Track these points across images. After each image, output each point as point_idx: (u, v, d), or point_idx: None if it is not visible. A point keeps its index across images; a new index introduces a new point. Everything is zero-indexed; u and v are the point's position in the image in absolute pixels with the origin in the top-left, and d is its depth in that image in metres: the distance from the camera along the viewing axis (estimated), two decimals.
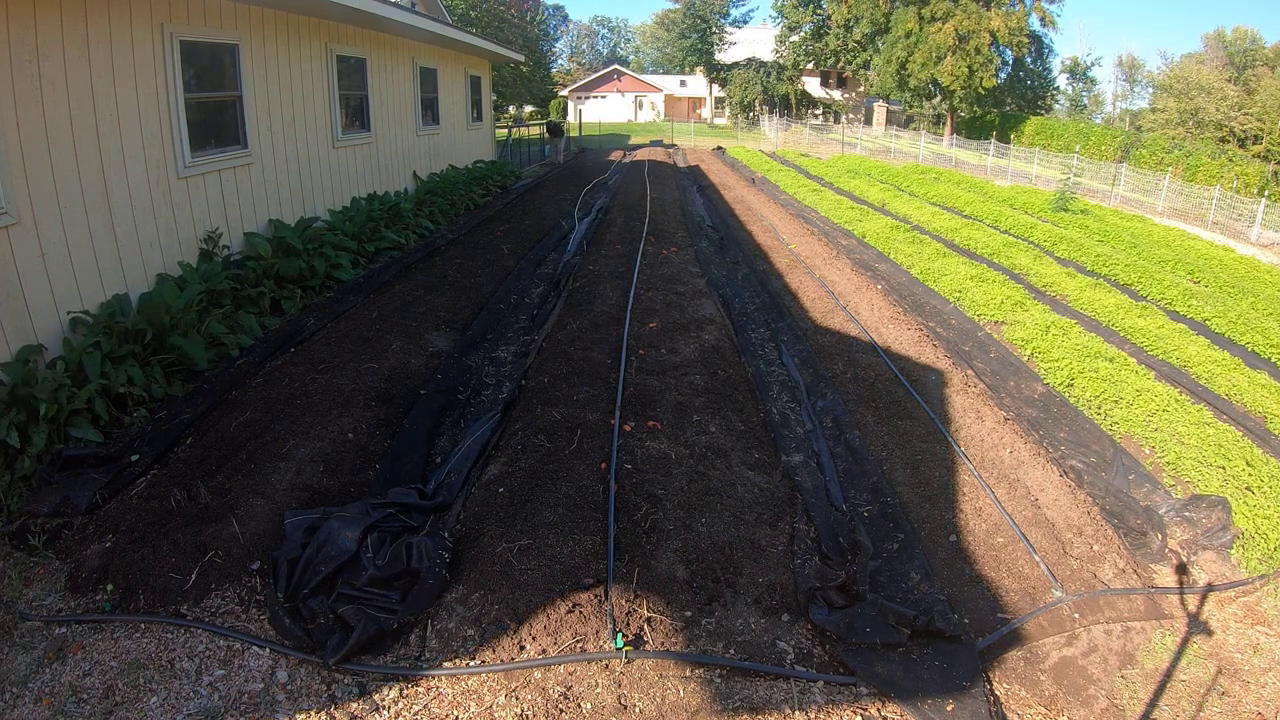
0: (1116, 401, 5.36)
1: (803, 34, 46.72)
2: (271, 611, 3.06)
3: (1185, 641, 3.30)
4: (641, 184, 16.75)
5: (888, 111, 47.40)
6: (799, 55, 47.21)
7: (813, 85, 50.65)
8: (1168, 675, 3.11)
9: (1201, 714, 2.94)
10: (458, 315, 6.67)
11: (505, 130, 22.47)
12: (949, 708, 2.71)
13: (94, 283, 5.09)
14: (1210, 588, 3.67)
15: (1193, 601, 3.56)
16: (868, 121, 48.19)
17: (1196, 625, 3.40)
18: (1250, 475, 4.42)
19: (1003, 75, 36.14)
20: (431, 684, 2.75)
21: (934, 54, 33.98)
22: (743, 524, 3.67)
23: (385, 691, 2.71)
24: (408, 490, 3.74)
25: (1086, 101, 57.29)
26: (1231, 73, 40.15)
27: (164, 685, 2.69)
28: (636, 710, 2.65)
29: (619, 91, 55.91)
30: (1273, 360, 7.15)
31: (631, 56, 78.26)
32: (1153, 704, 2.96)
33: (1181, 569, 3.80)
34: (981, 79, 33.63)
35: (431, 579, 3.15)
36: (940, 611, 3.18)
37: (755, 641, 3.00)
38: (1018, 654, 3.13)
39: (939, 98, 37.25)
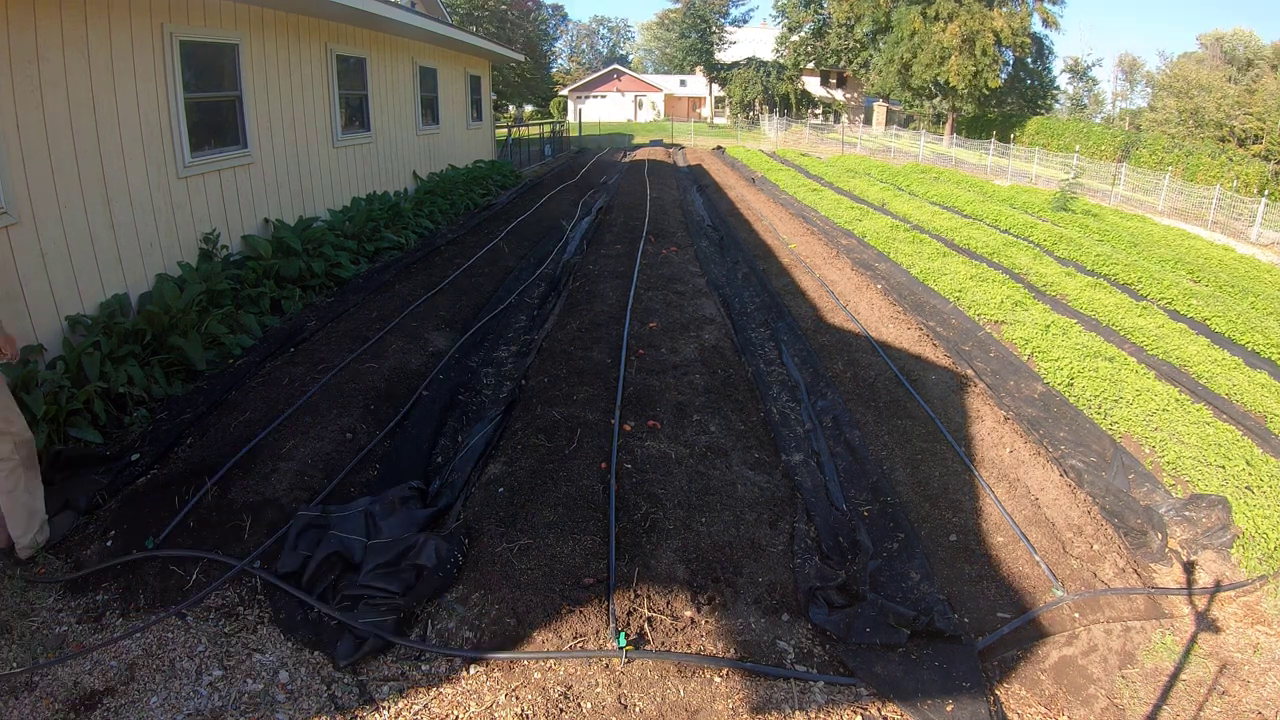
0: (1116, 401, 5.36)
1: (803, 33, 46.74)
2: (272, 611, 3.06)
3: (1185, 641, 3.30)
4: (642, 184, 16.75)
5: (888, 111, 47.40)
6: (799, 55, 47.22)
7: (813, 85, 50.65)
8: (1168, 675, 3.11)
9: (1202, 713, 2.93)
10: (458, 315, 6.67)
11: (505, 130, 22.47)
12: (949, 708, 2.71)
13: (94, 283, 5.09)
14: (1210, 587, 3.67)
15: (1193, 601, 3.56)
16: (868, 121, 48.18)
17: (1197, 625, 3.40)
18: (1250, 475, 4.41)
19: (1004, 75, 36.16)
20: (432, 683, 2.75)
21: (939, 54, 33.99)
22: (743, 523, 3.68)
23: (385, 691, 2.72)
24: (410, 490, 3.74)
25: (1087, 101, 57.30)
26: (1230, 71, 40.12)
27: (164, 685, 2.69)
28: (637, 710, 2.65)
29: (619, 91, 55.90)
30: (1273, 360, 7.15)
31: (632, 56, 78.29)
32: (1153, 703, 2.96)
33: (1182, 568, 3.80)
34: (987, 79, 33.67)
35: (441, 574, 3.15)
36: (940, 611, 3.19)
37: (755, 641, 3.00)
38: (1018, 653, 3.13)
39: (940, 97, 37.25)
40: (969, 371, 5.95)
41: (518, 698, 2.68)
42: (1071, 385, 5.74)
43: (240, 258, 6.78)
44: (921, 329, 6.89)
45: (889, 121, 46.43)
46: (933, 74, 34.64)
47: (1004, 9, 34.29)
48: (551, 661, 2.82)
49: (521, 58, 25.58)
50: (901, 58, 35.83)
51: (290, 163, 7.99)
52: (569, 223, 11.39)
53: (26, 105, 4.52)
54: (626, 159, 24.12)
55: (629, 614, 3.03)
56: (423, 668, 2.82)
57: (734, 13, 52.69)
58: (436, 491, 3.92)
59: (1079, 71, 55.19)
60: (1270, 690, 3.07)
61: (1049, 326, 6.84)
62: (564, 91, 56.36)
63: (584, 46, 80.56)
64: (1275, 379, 6.41)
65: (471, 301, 7.11)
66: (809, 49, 46.82)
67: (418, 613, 3.05)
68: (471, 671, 2.79)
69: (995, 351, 6.65)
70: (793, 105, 47.61)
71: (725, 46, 51.83)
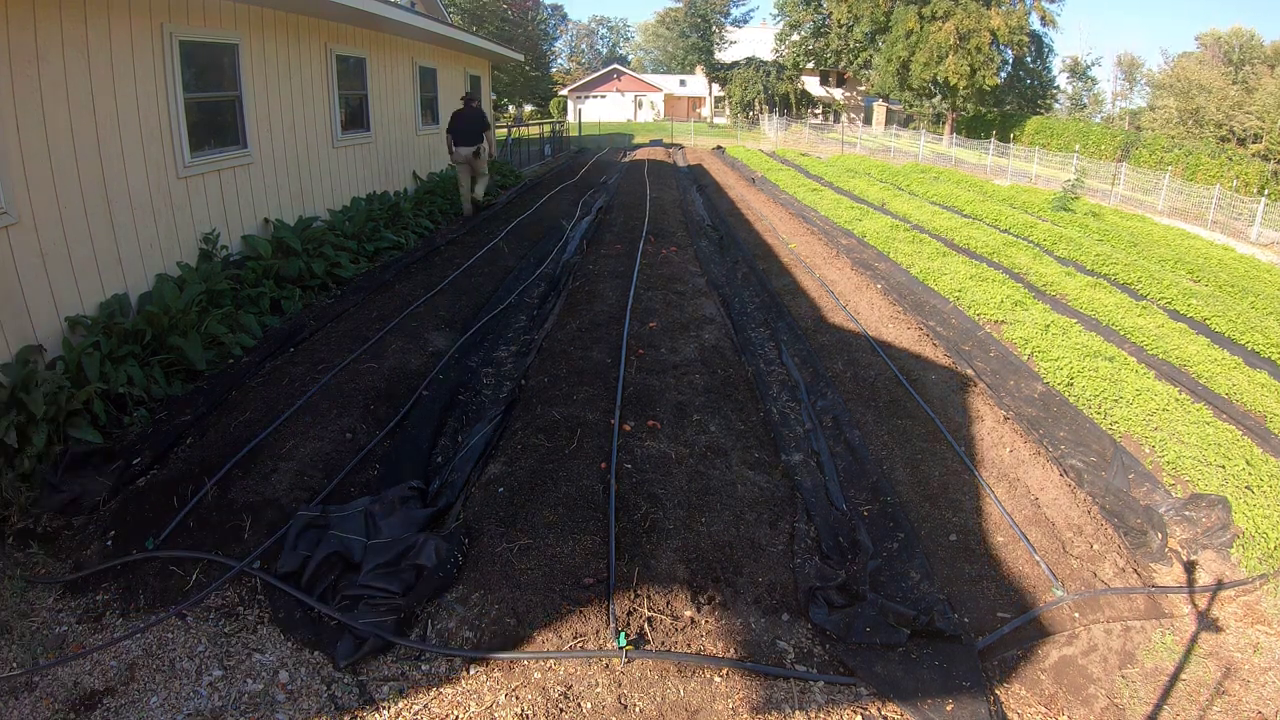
0: (1116, 401, 5.36)
1: (803, 33, 46.74)
2: (272, 611, 3.06)
3: (1186, 641, 3.30)
4: (641, 183, 16.75)
5: (887, 111, 47.39)
6: (799, 54, 47.22)
7: (813, 85, 50.66)
8: (1168, 674, 3.11)
9: (1201, 713, 2.94)
10: (458, 315, 6.67)
11: (505, 130, 22.46)
12: (949, 707, 2.71)
13: (94, 283, 5.09)
14: (1210, 587, 3.67)
15: (1193, 601, 3.56)
16: (867, 121, 48.17)
17: (1197, 624, 3.40)
18: (1250, 474, 4.42)
19: (1003, 74, 36.18)
20: (432, 683, 2.75)
21: (935, 53, 34.03)
22: (743, 523, 3.68)
23: (385, 691, 2.72)
24: (410, 490, 3.74)
25: (1086, 101, 57.29)
26: (1230, 71, 40.12)
27: (164, 685, 2.69)
28: (637, 710, 2.66)
29: (619, 91, 55.89)
30: (1273, 359, 7.15)
31: (631, 56, 78.28)
32: (1153, 703, 2.96)
33: (1182, 568, 3.80)
34: (983, 77, 33.68)
35: (441, 574, 3.16)
36: (940, 611, 3.19)
37: (755, 641, 3.00)
38: (1018, 653, 3.13)
39: (940, 97, 37.28)
40: (969, 371, 5.95)
41: (518, 698, 2.68)
42: (1071, 385, 5.74)
43: (240, 258, 6.78)
44: (921, 329, 6.89)
45: (889, 121, 46.41)
46: (930, 73, 34.68)
47: (1001, 7, 34.31)
48: (551, 661, 2.82)
49: (521, 58, 25.60)
50: (899, 57, 35.86)
51: (290, 163, 7.98)
52: (569, 222, 11.39)
53: (26, 106, 4.52)
54: (626, 159, 24.12)
55: (629, 614, 3.03)
56: (423, 668, 2.82)
57: (734, 12, 52.81)
58: (436, 491, 3.92)
59: (1078, 71, 55.22)
60: (1270, 690, 3.07)
61: (1049, 326, 6.84)
62: (564, 91, 56.34)
63: (583, 46, 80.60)
64: (1275, 378, 6.42)
65: (471, 301, 7.11)
66: (809, 49, 46.82)
67: (418, 613, 3.05)
68: (471, 671, 2.79)
69: (995, 351, 6.65)
70: (792, 105, 47.59)
71: (725, 46, 51.83)
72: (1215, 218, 17.73)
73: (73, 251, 4.89)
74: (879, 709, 2.74)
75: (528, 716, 2.61)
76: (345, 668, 2.80)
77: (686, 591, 3.18)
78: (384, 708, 2.64)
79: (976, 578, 3.54)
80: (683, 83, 57.72)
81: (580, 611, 3.03)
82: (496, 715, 2.61)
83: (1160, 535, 3.97)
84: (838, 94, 51.56)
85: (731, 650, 2.93)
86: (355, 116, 9.90)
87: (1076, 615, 3.32)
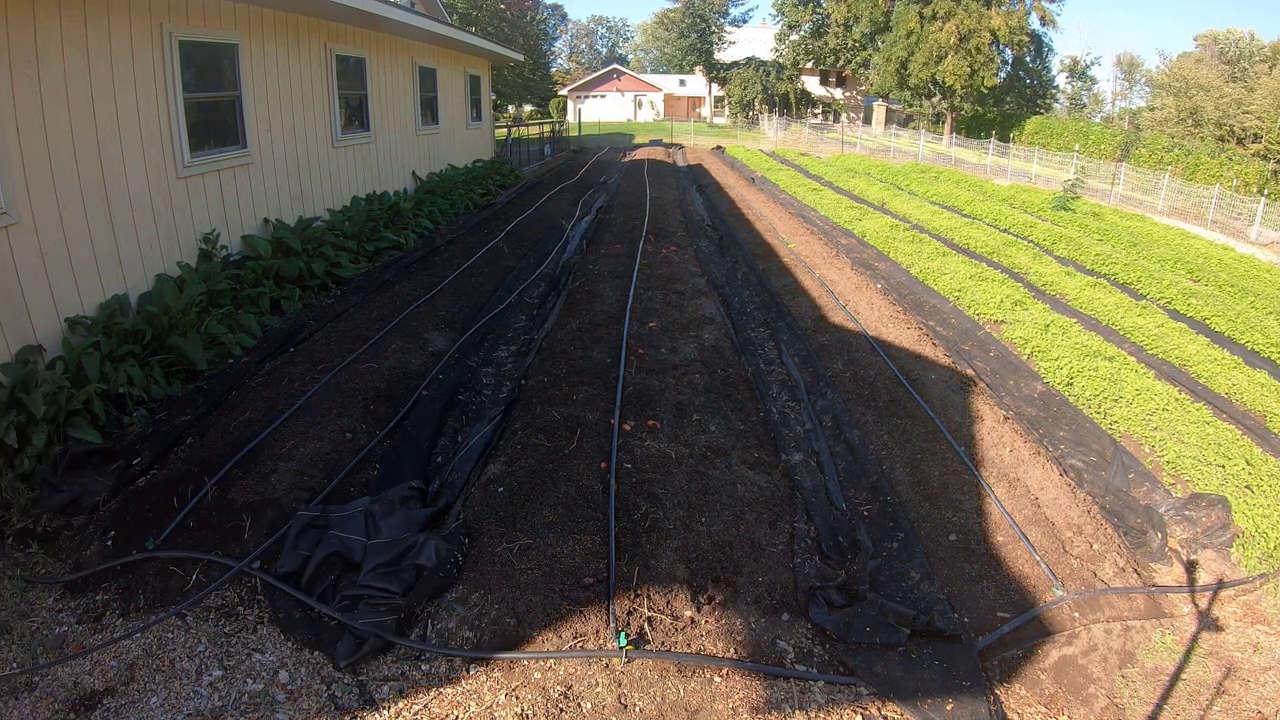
0: (1116, 400, 5.36)
1: (802, 33, 46.73)
2: (272, 611, 3.06)
3: (1185, 640, 3.30)
4: (641, 183, 16.75)
5: (887, 110, 47.37)
6: (798, 54, 47.21)
7: (812, 84, 50.65)
8: (1168, 674, 3.11)
9: (1202, 713, 2.94)
10: (458, 315, 6.67)
11: (505, 130, 22.45)
12: (949, 707, 2.71)
13: (93, 283, 5.09)
14: (1210, 586, 3.67)
15: (1193, 600, 3.56)
16: (867, 120, 48.13)
17: (1197, 624, 3.40)
18: (1250, 474, 4.42)
19: (1003, 74, 36.14)
20: (432, 683, 2.75)
21: (935, 53, 34.01)
22: (743, 523, 3.68)
23: (385, 691, 2.72)
24: (410, 490, 3.74)
25: (1086, 100, 57.23)
26: (1229, 70, 40.11)
27: (164, 685, 2.69)
28: (637, 710, 2.66)
29: (619, 91, 55.88)
30: (1272, 359, 7.15)
31: (631, 56, 78.27)
32: (1153, 703, 2.96)
33: (1182, 568, 3.80)
34: (983, 78, 33.66)
35: (440, 574, 3.16)
36: (940, 611, 3.19)
37: (755, 641, 3.00)
38: (1018, 653, 3.13)
39: (939, 96, 37.26)
40: (969, 371, 5.95)
41: (518, 697, 2.68)
42: (1071, 385, 5.74)
43: (240, 258, 6.78)
44: (921, 328, 6.89)
45: (888, 121, 46.38)
46: (929, 73, 34.66)
47: (1002, 7, 34.28)
48: (551, 661, 2.82)
49: (521, 58, 25.59)
50: (899, 57, 35.84)
51: (290, 163, 7.98)
52: (569, 222, 11.39)
53: (26, 106, 4.52)
54: (626, 159, 24.13)
55: (629, 614, 3.03)
56: (423, 668, 2.82)
57: (733, 12, 52.68)
58: (436, 491, 3.92)
59: (1078, 71, 55.16)
60: (1270, 689, 3.07)
61: (1049, 326, 6.84)
62: (563, 91, 56.31)
63: (583, 46, 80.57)
64: (1275, 378, 6.42)
65: (471, 301, 7.11)
66: (808, 48, 46.79)
67: (418, 613, 3.05)
68: (471, 671, 2.79)
69: (995, 351, 6.65)
70: (792, 105, 47.57)
71: (725, 46, 51.80)
72: (1215, 217, 17.72)
73: (72, 252, 4.89)
74: (879, 709, 2.74)
75: (528, 716, 2.61)
76: (345, 668, 2.80)
77: (686, 591, 3.18)
78: (384, 708, 2.64)
79: (976, 577, 3.54)
80: (682, 83, 57.69)
81: (580, 611, 3.03)
82: (496, 715, 2.61)
83: (1160, 535, 3.97)
84: (837, 94, 51.55)
85: (731, 650, 2.93)
86: (355, 116, 9.90)
87: (1076, 615, 3.32)
